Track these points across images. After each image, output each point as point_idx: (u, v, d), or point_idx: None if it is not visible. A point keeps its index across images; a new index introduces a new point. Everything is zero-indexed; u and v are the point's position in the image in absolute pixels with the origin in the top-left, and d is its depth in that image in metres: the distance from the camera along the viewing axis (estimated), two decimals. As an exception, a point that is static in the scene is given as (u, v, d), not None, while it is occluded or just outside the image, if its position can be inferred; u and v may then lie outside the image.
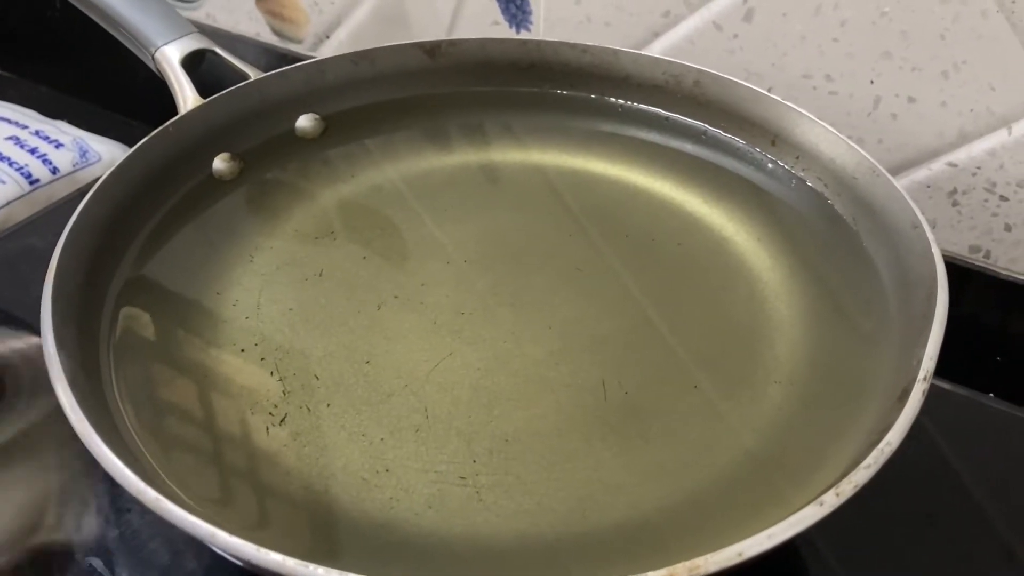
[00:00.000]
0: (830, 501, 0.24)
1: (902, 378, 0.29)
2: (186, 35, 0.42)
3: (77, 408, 0.27)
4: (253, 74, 0.42)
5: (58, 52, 0.76)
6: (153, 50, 0.42)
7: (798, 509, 0.24)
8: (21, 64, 0.80)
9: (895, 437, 0.26)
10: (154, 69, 0.42)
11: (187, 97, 0.40)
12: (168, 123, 0.39)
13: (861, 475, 0.25)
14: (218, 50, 0.43)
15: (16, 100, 0.71)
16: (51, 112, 0.70)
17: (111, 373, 0.32)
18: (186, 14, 0.67)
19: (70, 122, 0.69)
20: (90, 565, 0.35)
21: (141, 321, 0.34)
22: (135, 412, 0.31)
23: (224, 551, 0.24)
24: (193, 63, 0.42)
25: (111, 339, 0.33)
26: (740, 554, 0.23)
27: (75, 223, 0.34)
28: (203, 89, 0.42)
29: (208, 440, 0.30)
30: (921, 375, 0.28)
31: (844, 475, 0.25)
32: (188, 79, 0.41)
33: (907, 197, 0.35)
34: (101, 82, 0.74)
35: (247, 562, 0.23)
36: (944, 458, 0.42)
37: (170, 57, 0.41)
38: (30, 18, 0.75)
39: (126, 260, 0.37)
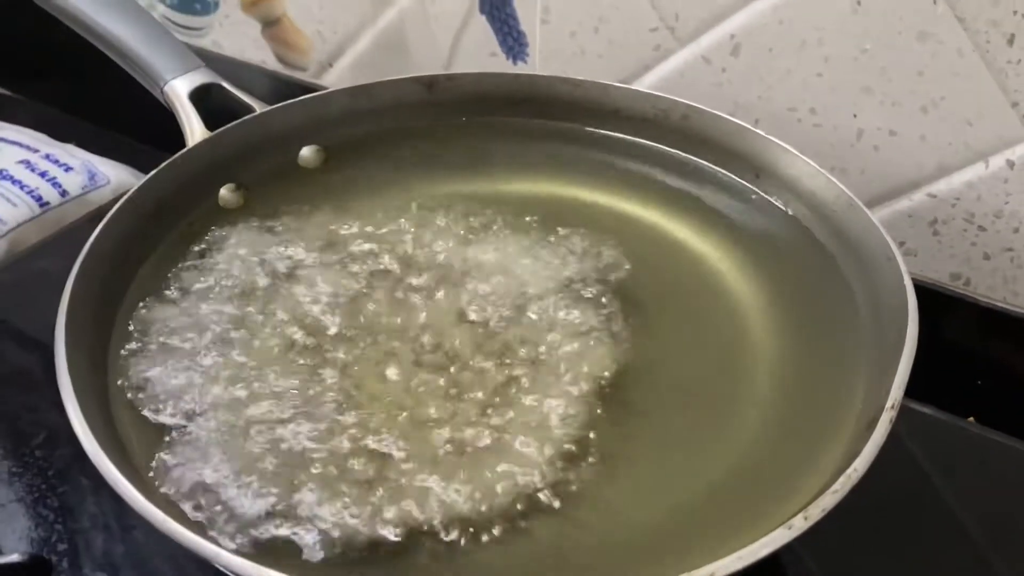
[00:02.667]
0: (798, 524, 0.26)
1: (871, 406, 0.30)
2: (194, 69, 0.44)
3: (87, 430, 0.28)
4: (258, 107, 0.44)
5: (67, 75, 0.78)
6: (163, 84, 0.43)
7: (768, 532, 0.26)
8: (31, 86, 0.82)
9: (862, 464, 0.27)
10: (163, 102, 0.44)
11: (195, 130, 0.42)
12: (176, 155, 0.41)
13: (828, 500, 0.26)
14: (225, 84, 0.44)
15: (25, 122, 0.73)
16: (59, 134, 0.72)
17: (119, 395, 0.33)
18: (193, 41, 0.69)
19: (78, 144, 0.71)
20: (97, 580, 0.37)
21: (149, 345, 0.36)
22: (140, 432, 0.33)
23: (227, 570, 0.25)
24: (201, 96, 0.44)
25: (119, 362, 0.35)
26: (712, 574, 0.24)
27: (87, 253, 0.35)
28: (210, 119, 0.44)
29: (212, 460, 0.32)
30: (889, 403, 0.29)
31: (813, 499, 0.27)
32: (196, 112, 0.43)
33: (883, 230, 0.37)
34: (109, 105, 0.75)
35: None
36: (927, 479, 0.44)
37: (179, 91, 0.43)
38: (40, 41, 0.77)
39: (134, 285, 0.38)
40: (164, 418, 0.33)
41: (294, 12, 0.62)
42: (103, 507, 0.40)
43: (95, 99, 0.76)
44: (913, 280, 0.47)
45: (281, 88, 0.65)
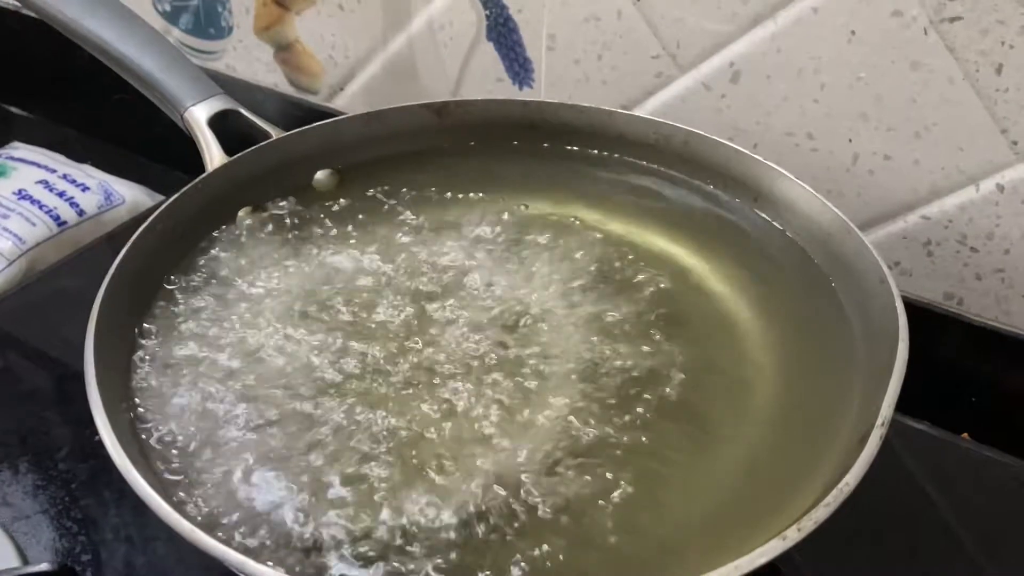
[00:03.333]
0: (792, 535, 0.27)
1: (864, 423, 0.32)
2: (213, 96, 0.46)
3: (117, 443, 0.30)
4: (274, 133, 0.46)
5: (82, 96, 0.79)
6: (183, 110, 0.45)
7: (763, 543, 0.27)
8: (47, 107, 0.84)
9: (853, 479, 0.29)
10: (183, 127, 0.46)
11: (213, 155, 0.44)
12: (197, 179, 0.43)
13: (821, 512, 0.28)
14: (242, 110, 0.46)
15: (41, 142, 0.74)
16: (74, 154, 0.73)
17: (143, 409, 0.35)
18: (207, 65, 0.71)
19: (93, 164, 0.73)
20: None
21: (170, 361, 0.37)
22: (162, 446, 0.34)
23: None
24: (219, 121, 0.46)
25: (143, 377, 0.36)
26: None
27: (115, 272, 0.37)
28: (228, 143, 0.45)
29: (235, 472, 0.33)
30: (879, 421, 0.30)
31: (806, 512, 0.28)
32: (215, 138, 0.44)
33: (875, 253, 0.38)
34: (123, 126, 0.77)
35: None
36: (923, 493, 0.45)
37: (198, 117, 0.45)
38: (57, 64, 0.79)
39: (155, 305, 0.40)
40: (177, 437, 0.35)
41: (306, 37, 0.64)
42: (125, 519, 0.41)
43: (109, 120, 0.78)
44: (908, 299, 0.48)
45: (292, 110, 0.67)
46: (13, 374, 0.50)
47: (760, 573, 0.27)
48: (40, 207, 0.66)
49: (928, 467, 0.47)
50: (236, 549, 0.27)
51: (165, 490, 0.32)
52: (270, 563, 0.26)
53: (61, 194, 0.68)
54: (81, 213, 0.67)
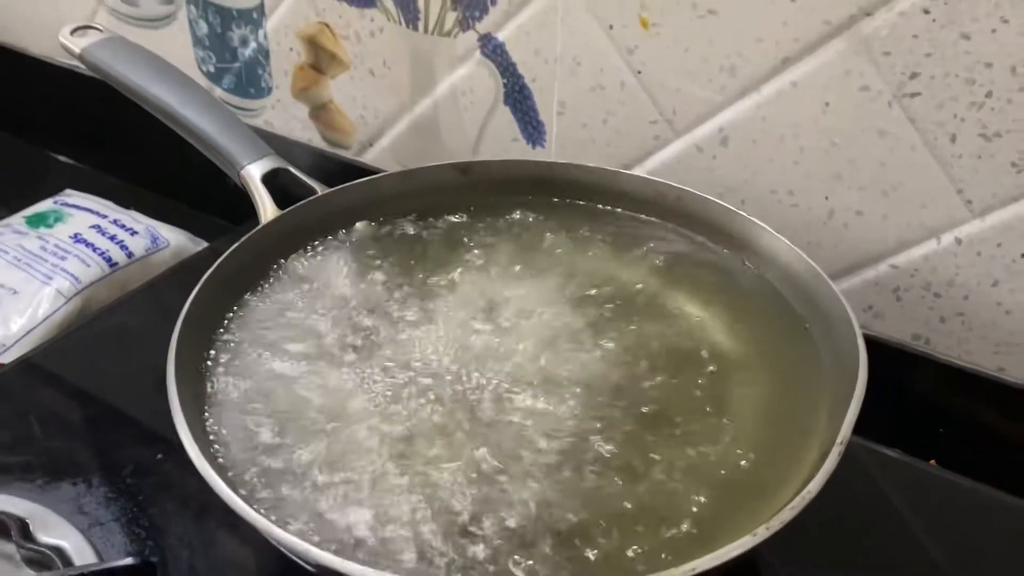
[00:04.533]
0: (761, 532, 0.33)
1: (827, 441, 0.37)
2: (266, 156, 0.52)
3: (201, 457, 0.36)
4: (319, 189, 0.52)
5: (128, 147, 0.86)
6: (239, 168, 0.51)
7: (738, 538, 0.33)
8: (93, 156, 0.91)
9: (815, 486, 0.34)
10: (238, 183, 0.52)
11: (267, 209, 0.50)
12: (254, 231, 0.49)
13: (787, 514, 0.33)
14: (291, 168, 0.52)
15: (88, 188, 0.81)
16: (119, 200, 0.80)
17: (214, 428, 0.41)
18: (246, 121, 0.77)
19: (138, 210, 0.79)
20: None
21: (233, 383, 0.44)
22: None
23: (316, 564, 0.32)
24: (271, 179, 0.52)
25: (213, 399, 0.42)
26: (693, 569, 0.31)
27: (188, 310, 0.43)
28: (278, 197, 0.52)
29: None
30: (839, 439, 0.36)
31: (775, 514, 0.34)
32: (268, 193, 0.51)
33: (843, 299, 0.44)
34: (164, 175, 0.84)
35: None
36: (896, 512, 0.50)
37: (253, 175, 0.51)
38: (103, 117, 0.85)
39: (218, 338, 0.46)
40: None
41: (339, 98, 0.71)
42: (187, 527, 0.47)
43: (152, 169, 0.84)
44: (879, 340, 0.55)
45: (326, 164, 0.73)
46: (79, 402, 0.56)
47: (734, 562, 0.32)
48: (94, 249, 0.72)
49: (900, 489, 0.52)
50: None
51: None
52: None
53: (112, 238, 0.74)
54: (130, 255, 0.73)
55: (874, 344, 0.48)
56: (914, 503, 0.51)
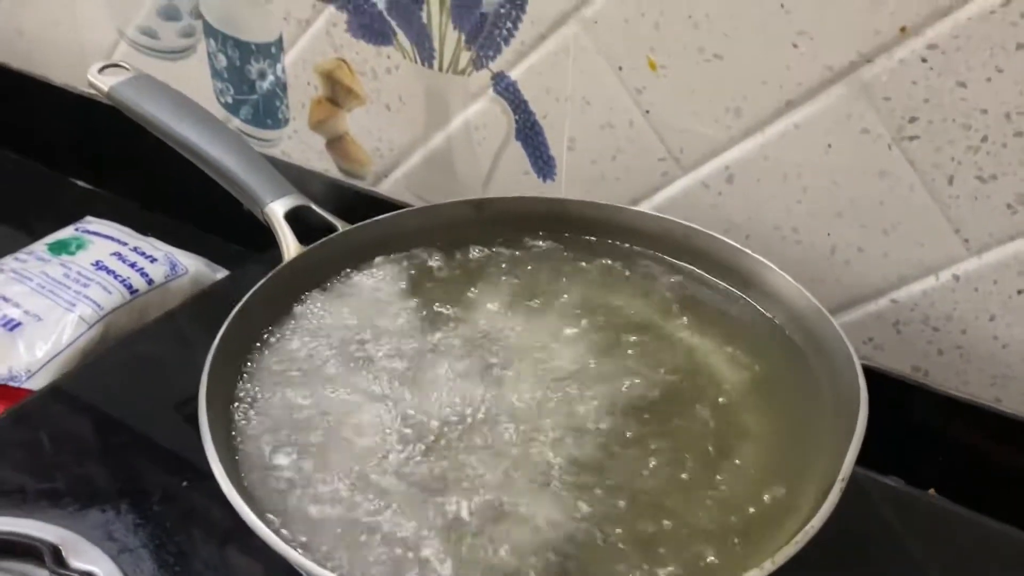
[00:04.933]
0: (767, 567, 0.35)
1: (829, 477, 0.39)
2: (288, 194, 0.54)
3: (230, 485, 0.37)
4: (341, 226, 0.54)
5: (145, 173, 0.88)
6: (263, 206, 0.53)
7: (744, 572, 0.34)
8: (111, 182, 0.93)
9: (818, 522, 0.36)
10: (262, 220, 0.54)
11: (290, 245, 0.52)
12: (279, 267, 0.51)
13: (790, 549, 0.35)
14: (313, 206, 0.54)
15: (106, 214, 0.83)
16: (136, 225, 0.82)
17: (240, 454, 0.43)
18: (263, 151, 0.79)
19: (155, 235, 0.81)
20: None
21: (258, 416, 0.45)
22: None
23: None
24: (294, 216, 0.54)
25: (240, 431, 0.44)
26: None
27: (218, 345, 0.45)
28: (300, 233, 0.54)
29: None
30: (840, 476, 0.38)
31: (779, 548, 0.35)
32: (291, 230, 0.53)
33: (843, 335, 0.46)
34: (183, 202, 0.86)
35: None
36: (897, 539, 0.52)
37: (276, 212, 0.53)
38: (122, 144, 0.87)
39: (245, 370, 0.48)
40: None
41: (355, 131, 0.73)
42: (212, 554, 0.49)
43: (170, 195, 0.86)
44: (880, 371, 0.56)
45: (341, 194, 0.75)
46: (106, 429, 0.58)
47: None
48: (115, 277, 0.74)
49: (899, 517, 0.53)
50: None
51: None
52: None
53: (132, 265, 0.76)
54: (150, 282, 0.75)
55: (875, 375, 0.50)
56: (913, 531, 0.52)
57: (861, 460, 0.42)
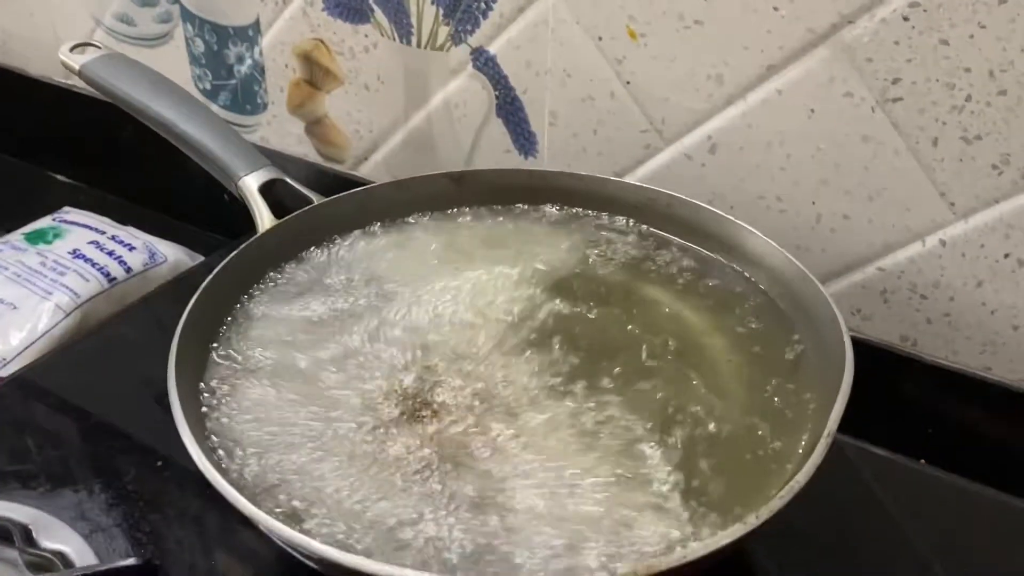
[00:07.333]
0: (752, 521, 0.34)
1: (815, 434, 0.38)
2: (262, 167, 0.53)
3: (203, 456, 0.36)
4: (315, 199, 0.53)
5: (125, 165, 0.87)
6: (236, 180, 0.52)
7: (730, 525, 0.33)
8: (91, 175, 0.91)
9: (803, 477, 0.35)
10: (236, 194, 0.53)
11: (264, 218, 0.51)
12: (252, 239, 0.50)
13: (776, 503, 0.34)
14: (287, 179, 0.53)
15: (86, 207, 0.82)
16: (116, 217, 0.80)
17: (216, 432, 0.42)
18: (243, 136, 0.78)
19: (136, 227, 0.80)
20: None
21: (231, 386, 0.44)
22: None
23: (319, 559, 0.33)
24: (267, 189, 0.53)
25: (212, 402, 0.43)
26: (684, 557, 0.32)
27: (187, 318, 0.44)
28: (275, 207, 0.53)
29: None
30: (825, 432, 0.37)
31: (765, 504, 0.34)
32: (265, 203, 0.52)
33: (828, 297, 0.45)
34: (162, 193, 0.85)
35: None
36: (884, 509, 0.51)
37: (250, 186, 0.52)
38: (104, 138, 0.86)
39: (216, 342, 0.47)
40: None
41: (335, 113, 0.72)
42: (187, 531, 0.47)
43: (150, 187, 0.85)
44: (868, 342, 0.55)
45: (321, 178, 0.74)
46: (78, 413, 0.57)
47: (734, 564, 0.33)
48: (92, 265, 0.73)
49: (890, 487, 0.53)
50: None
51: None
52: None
53: (110, 253, 0.75)
54: (128, 270, 0.74)
55: (863, 346, 0.49)
56: (902, 499, 0.52)
57: (852, 432, 0.41)
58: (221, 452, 0.41)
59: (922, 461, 0.55)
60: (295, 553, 0.35)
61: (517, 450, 0.40)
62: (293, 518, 0.38)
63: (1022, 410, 0.53)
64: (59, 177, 0.93)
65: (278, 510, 0.38)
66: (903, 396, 0.56)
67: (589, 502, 0.38)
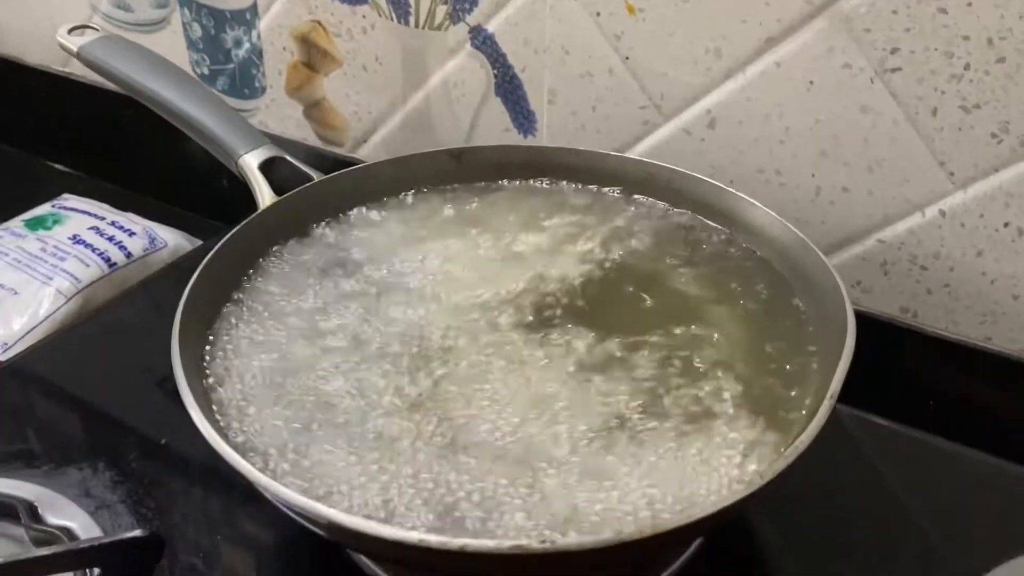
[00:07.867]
0: (756, 481, 0.34)
1: (819, 397, 0.38)
2: (262, 145, 0.53)
3: (211, 429, 0.36)
4: (315, 176, 0.53)
5: (124, 153, 0.87)
6: (237, 158, 0.52)
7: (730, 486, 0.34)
8: (90, 164, 0.91)
9: (806, 438, 0.35)
10: (236, 173, 0.53)
11: (264, 195, 0.51)
12: (253, 216, 0.50)
13: (780, 463, 0.34)
14: (287, 156, 0.53)
15: (86, 196, 0.82)
16: (116, 204, 0.80)
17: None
18: (242, 120, 0.78)
19: (136, 213, 0.80)
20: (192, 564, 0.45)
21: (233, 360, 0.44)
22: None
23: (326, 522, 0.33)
24: (268, 167, 0.53)
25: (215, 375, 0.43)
26: (691, 516, 0.32)
27: (189, 293, 0.44)
28: (275, 185, 0.53)
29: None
30: (829, 393, 0.37)
31: (769, 465, 0.35)
32: (265, 180, 0.52)
33: (829, 265, 0.45)
34: (162, 179, 0.85)
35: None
36: (882, 478, 0.52)
37: (250, 163, 0.52)
38: (100, 124, 0.86)
39: (218, 319, 0.47)
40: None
41: (333, 95, 0.72)
42: (192, 507, 0.47)
43: (149, 174, 0.85)
44: (869, 314, 0.56)
45: (320, 162, 0.74)
46: (81, 394, 0.57)
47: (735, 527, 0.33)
48: (92, 250, 0.73)
49: (891, 457, 0.53)
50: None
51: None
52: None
53: (110, 239, 0.75)
54: (129, 256, 0.74)
55: (864, 318, 0.49)
56: (904, 471, 0.52)
57: (853, 403, 0.40)
58: (223, 423, 0.41)
59: (922, 430, 0.55)
60: (305, 522, 0.36)
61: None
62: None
63: (1022, 380, 0.53)
64: (57, 166, 0.92)
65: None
66: (904, 368, 0.57)
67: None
